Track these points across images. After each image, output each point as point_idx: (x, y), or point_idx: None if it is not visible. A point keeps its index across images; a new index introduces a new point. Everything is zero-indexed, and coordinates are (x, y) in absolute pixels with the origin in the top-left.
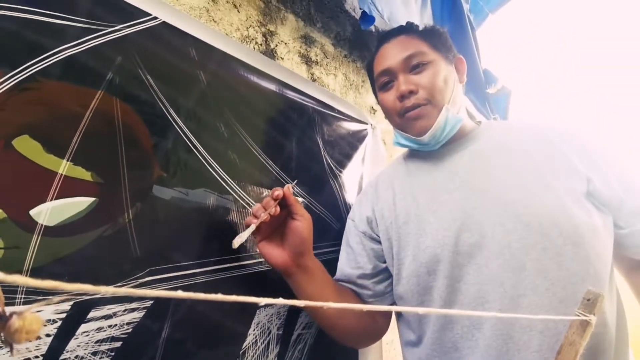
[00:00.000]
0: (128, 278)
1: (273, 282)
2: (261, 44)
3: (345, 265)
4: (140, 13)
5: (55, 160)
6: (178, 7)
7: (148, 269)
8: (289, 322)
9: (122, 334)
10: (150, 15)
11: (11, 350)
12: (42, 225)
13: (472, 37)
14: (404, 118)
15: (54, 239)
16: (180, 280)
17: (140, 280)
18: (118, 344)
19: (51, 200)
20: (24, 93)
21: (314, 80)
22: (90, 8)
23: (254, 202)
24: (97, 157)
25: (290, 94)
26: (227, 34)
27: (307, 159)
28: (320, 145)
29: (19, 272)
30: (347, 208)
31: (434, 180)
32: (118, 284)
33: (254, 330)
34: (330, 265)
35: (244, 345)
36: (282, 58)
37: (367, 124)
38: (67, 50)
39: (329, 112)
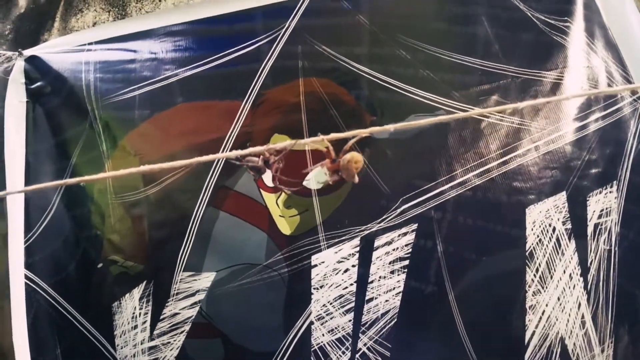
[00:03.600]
0: (387, 211)
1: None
2: None
3: None
4: (291, 3)
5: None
6: None
7: (400, 199)
8: (575, 215)
9: (405, 254)
10: None
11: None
12: (314, 190)
13: None
14: None
15: (325, 197)
16: (433, 200)
17: (398, 210)
18: (406, 262)
19: (310, 171)
20: (260, 107)
21: None
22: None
23: (467, 107)
24: (322, 129)
25: None
26: None
27: (510, 31)
28: (521, 6)
29: (315, 227)
30: (589, 62)
31: None
32: (383, 217)
33: (532, 230)
34: None
35: (528, 246)
36: None
37: None
38: (267, 63)
39: None
